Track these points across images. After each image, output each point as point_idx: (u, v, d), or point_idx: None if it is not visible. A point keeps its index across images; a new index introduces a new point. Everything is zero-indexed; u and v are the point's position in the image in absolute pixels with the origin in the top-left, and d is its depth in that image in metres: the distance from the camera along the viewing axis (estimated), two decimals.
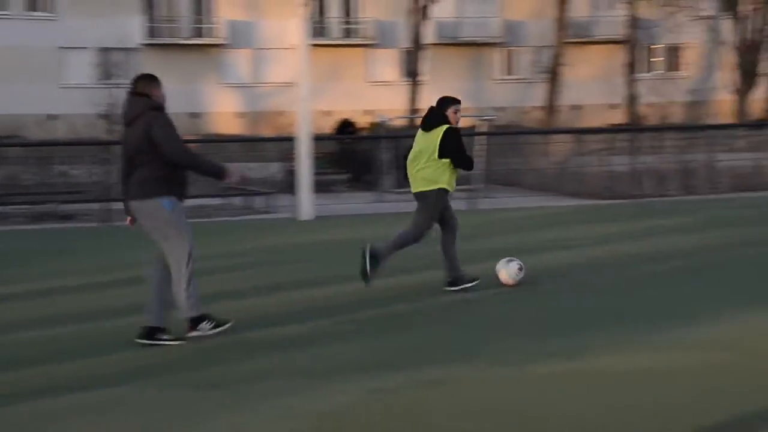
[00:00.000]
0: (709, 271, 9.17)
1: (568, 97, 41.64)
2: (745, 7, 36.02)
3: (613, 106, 43.02)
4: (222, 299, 7.64)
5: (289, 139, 15.88)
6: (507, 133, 24.76)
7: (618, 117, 41.38)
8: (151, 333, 6.56)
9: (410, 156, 8.49)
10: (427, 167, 8.29)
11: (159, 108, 6.58)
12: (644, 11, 39.05)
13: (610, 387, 5.40)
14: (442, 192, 8.34)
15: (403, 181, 17.82)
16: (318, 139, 17.21)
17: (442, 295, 8.17)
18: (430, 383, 5.51)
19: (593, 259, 10.09)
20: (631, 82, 37.91)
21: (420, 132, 8.47)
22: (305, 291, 8.42)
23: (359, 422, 4.91)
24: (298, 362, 6.11)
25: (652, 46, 46.53)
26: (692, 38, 42.80)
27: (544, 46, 42.17)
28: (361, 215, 15.04)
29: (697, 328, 6.70)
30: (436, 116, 8.40)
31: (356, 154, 20.95)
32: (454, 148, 8.26)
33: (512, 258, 8.57)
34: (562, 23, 35.96)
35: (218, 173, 6.69)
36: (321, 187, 16.71)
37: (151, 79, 6.69)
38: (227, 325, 6.77)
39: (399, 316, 7.45)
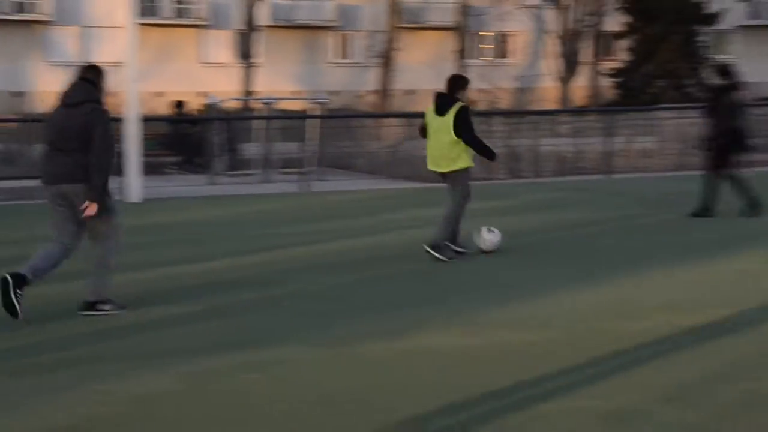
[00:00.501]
0: (532, 252, 9.56)
1: (401, 81, 42.23)
2: None
3: None
4: (49, 282, 7.42)
5: (118, 120, 15.48)
6: (339, 116, 24.92)
7: None
8: (17, 281, 6.45)
9: (429, 137, 9.15)
10: (446, 147, 8.93)
11: (101, 100, 6.73)
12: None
13: (428, 365, 5.59)
14: (465, 171, 9.02)
15: (236, 163, 17.47)
16: (147, 120, 16.85)
17: (286, 279, 8.19)
18: (253, 366, 5.55)
19: (423, 241, 10.32)
20: (462, 68, 38.77)
21: (433, 115, 9.01)
22: (134, 275, 8.27)
23: (174, 405, 4.91)
24: (119, 347, 6.03)
25: (481, 33, 47.77)
26: (519, 26, 44.20)
27: (377, 31, 42.58)
28: (191, 198, 14.86)
29: (517, 308, 7.00)
30: (448, 100, 8.91)
31: (188, 137, 20.61)
32: (465, 129, 8.83)
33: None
34: (395, 8, 36.39)
35: (101, 194, 6.62)
36: (151, 169, 16.36)
37: (100, 71, 6.87)
38: (125, 309, 6.89)
39: (234, 301, 7.42)
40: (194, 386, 5.18)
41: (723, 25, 45.53)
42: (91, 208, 6.53)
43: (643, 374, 5.27)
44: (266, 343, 6.05)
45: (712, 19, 43.03)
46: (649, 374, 5.27)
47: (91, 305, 6.78)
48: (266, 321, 6.73)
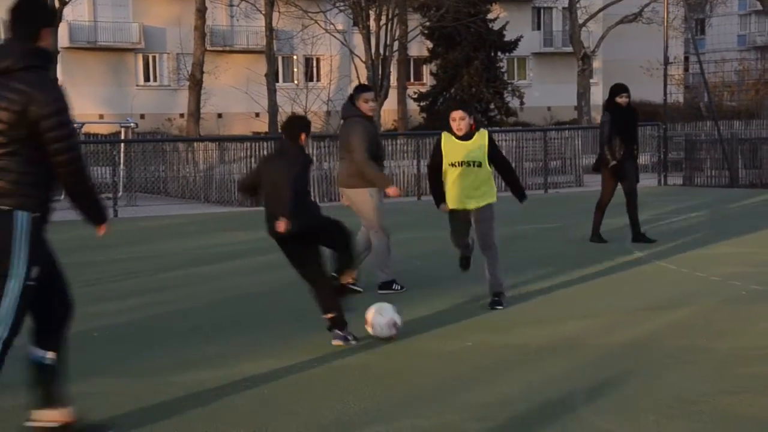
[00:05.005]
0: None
1: (211, 104, 41.91)
2: (374, 23, 38.23)
3: (256, 115, 43.92)
4: None
5: None
6: (149, 141, 24.51)
7: (260, 125, 42.31)
8: None
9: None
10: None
11: None
12: (281, 23, 40.27)
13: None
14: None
15: None
16: None
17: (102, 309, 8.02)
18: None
19: (233, 267, 10.34)
20: (272, 91, 38.90)
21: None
22: None
23: None
24: None
25: (291, 57, 48.08)
26: (327, 50, 44.78)
27: (185, 54, 42.13)
28: None
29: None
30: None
31: None
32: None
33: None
34: (201, 31, 36.15)
35: None
36: None
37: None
38: None
39: None
40: None
41: (519, 52, 47.82)
42: None
43: (458, 394, 5.49)
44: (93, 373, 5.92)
45: (510, 45, 45.09)
46: (464, 393, 5.49)
47: None
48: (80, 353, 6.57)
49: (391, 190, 8.34)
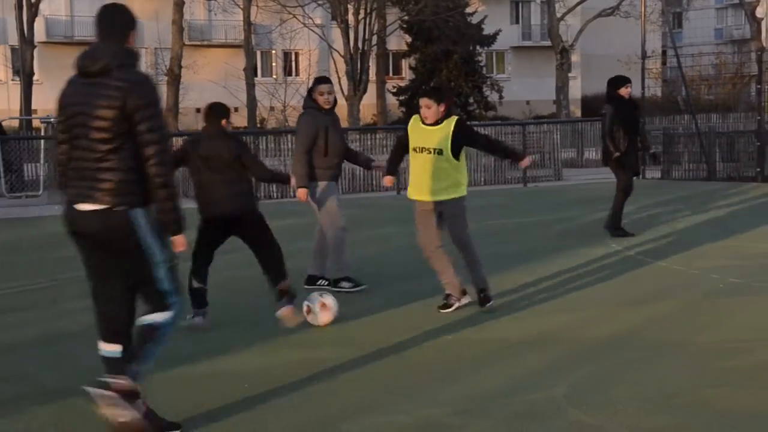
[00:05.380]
0: None
1: (190, 99, 41.72)
2: (353, 17, 38.17)
3: (234, 110, 43.79)
4: None
5: None
6: None
7: (239, 120, 42.16)
8: None
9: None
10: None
11: None
12: (259, 17, 40.14)
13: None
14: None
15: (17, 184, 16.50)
16: None
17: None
18: None
19: (217, 263, 10.28)
20: (251, 86, 38.76)
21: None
22: None
23: None
24: None
25: (269, 51, 47.94)
26: (306, 45, 44.68)
27: (162, 48, 41.92)
28: None
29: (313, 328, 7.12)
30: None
31: None
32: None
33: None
34: (179, 25, 35.97)
35: None
36: None
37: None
38: None
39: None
40: None
41: (498, 46, 47.88)
42: None
43: (440, 388, 5.51)
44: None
45: (488, 39, 45.14)
46: (445, 388, 5.50)
47: None
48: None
49: (299, 193, 8.26)
